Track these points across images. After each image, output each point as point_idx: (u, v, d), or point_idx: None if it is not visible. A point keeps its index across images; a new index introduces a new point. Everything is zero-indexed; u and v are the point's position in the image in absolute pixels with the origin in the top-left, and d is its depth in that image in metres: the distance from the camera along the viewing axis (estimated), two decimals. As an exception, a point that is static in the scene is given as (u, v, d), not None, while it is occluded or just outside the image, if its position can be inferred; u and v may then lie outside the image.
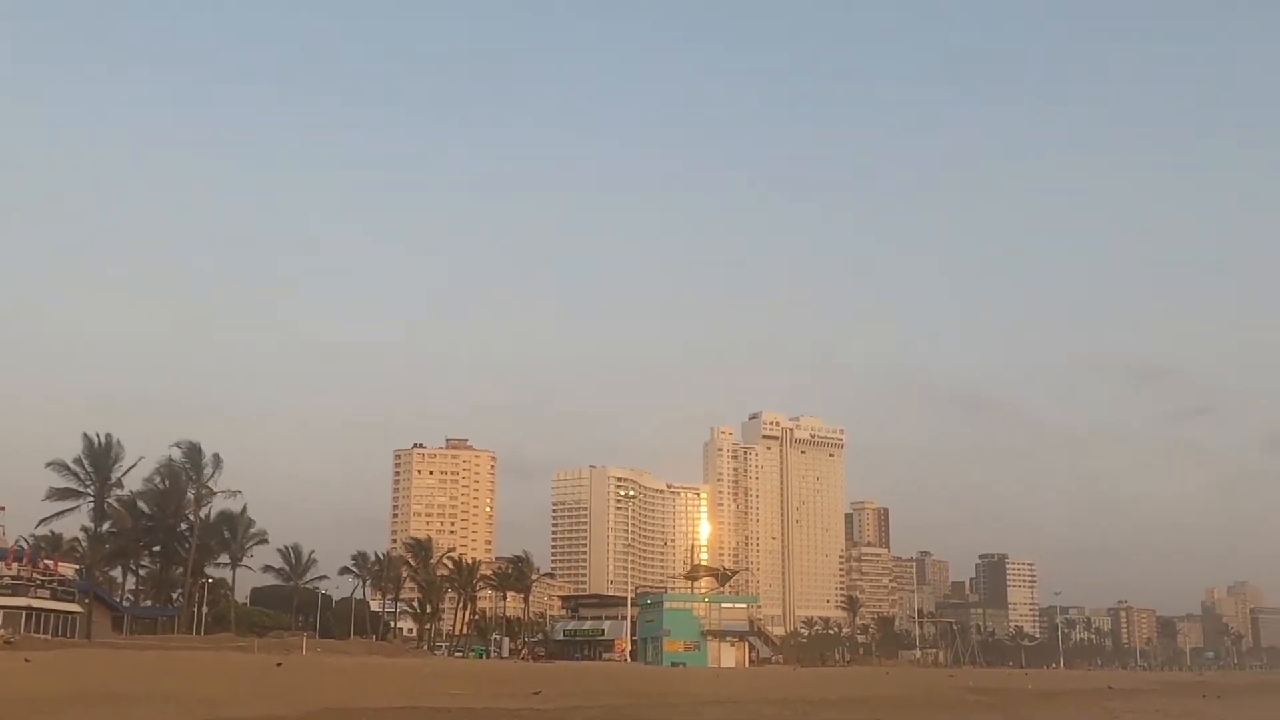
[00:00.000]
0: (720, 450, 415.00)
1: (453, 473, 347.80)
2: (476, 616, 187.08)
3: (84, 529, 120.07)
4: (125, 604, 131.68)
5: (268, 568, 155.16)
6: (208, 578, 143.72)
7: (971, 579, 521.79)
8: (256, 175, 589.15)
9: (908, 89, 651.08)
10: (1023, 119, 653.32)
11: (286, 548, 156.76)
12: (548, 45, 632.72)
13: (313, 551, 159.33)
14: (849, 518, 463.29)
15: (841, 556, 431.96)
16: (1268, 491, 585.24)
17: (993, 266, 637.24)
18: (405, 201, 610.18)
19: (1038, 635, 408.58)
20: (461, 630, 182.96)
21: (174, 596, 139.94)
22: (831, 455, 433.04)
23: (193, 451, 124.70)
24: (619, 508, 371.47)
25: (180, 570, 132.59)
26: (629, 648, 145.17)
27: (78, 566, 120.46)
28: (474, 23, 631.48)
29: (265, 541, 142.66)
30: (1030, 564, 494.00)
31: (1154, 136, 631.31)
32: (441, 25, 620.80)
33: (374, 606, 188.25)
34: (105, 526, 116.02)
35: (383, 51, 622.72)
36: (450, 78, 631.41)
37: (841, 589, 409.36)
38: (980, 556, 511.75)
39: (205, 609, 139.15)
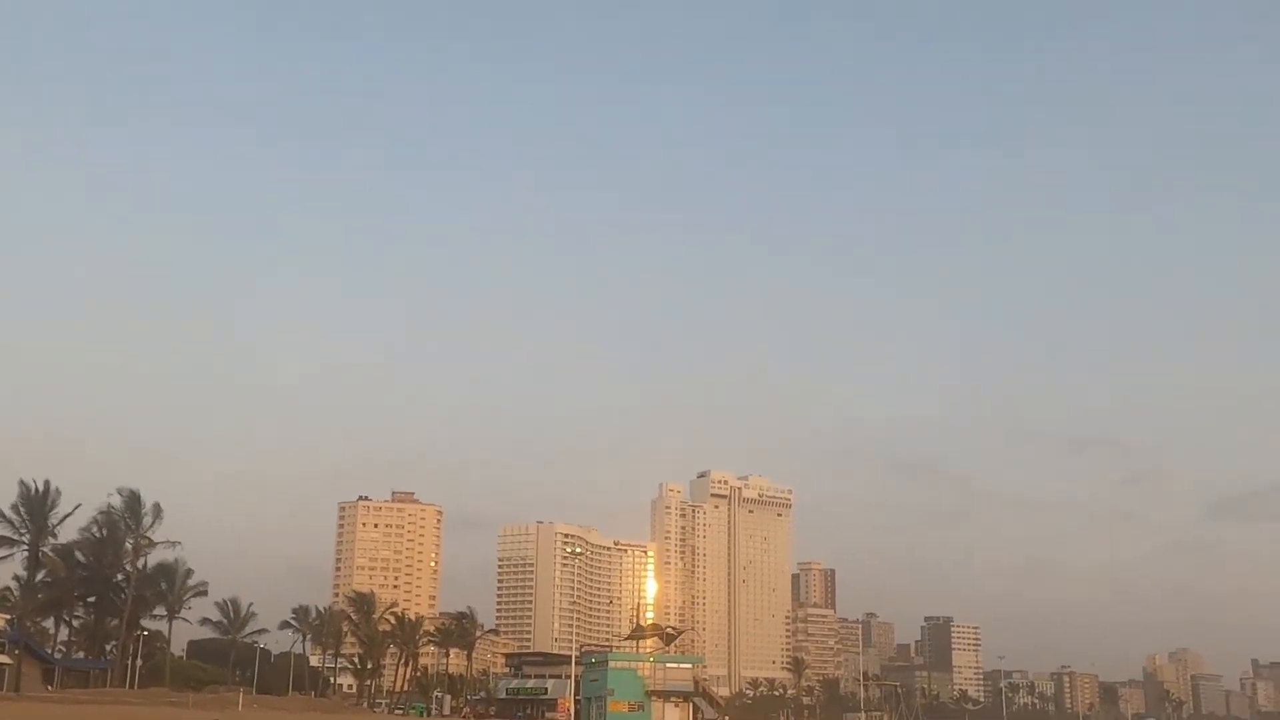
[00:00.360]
0: (668, 508, 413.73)
1: (398, 526, 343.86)
2: (418, 673, 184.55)
3: (16, 578, 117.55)
4: (57, 656, 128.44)
5: (205, 621, 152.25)
6: (143, 630, 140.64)
7: (917, 641, 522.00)
8: (202, 219, 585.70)
9: (865, 151, 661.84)
10: (973, 190, 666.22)
11: (225, 601, 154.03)
12: (511, 96, 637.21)
13: (251, 604, 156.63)
14: (795, 578, 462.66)
15: (787, 617, 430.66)
16: (1207, 558, 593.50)
17: (941, 334, 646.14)
18: (358, 251, 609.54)
19: (982, 699, 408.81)
20: (403, 687, 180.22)
21: (108, 649, 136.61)
22: (779, 515, 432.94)
23: (132, 500, 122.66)
24: (565, 564, 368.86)
25: (115, 622, 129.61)
26: (572, 707, 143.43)
27: (8, 617, 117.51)
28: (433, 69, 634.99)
29: (204, 594, 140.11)
30: (975, 627, 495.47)
31: (1098, 212, 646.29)
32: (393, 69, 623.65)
33: (314, 662, 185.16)
34: (39, 576, 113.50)
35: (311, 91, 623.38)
36: (401, 122, 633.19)
37: (787, 650, 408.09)
38: (926, 619, 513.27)
39: (140, 662, 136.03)
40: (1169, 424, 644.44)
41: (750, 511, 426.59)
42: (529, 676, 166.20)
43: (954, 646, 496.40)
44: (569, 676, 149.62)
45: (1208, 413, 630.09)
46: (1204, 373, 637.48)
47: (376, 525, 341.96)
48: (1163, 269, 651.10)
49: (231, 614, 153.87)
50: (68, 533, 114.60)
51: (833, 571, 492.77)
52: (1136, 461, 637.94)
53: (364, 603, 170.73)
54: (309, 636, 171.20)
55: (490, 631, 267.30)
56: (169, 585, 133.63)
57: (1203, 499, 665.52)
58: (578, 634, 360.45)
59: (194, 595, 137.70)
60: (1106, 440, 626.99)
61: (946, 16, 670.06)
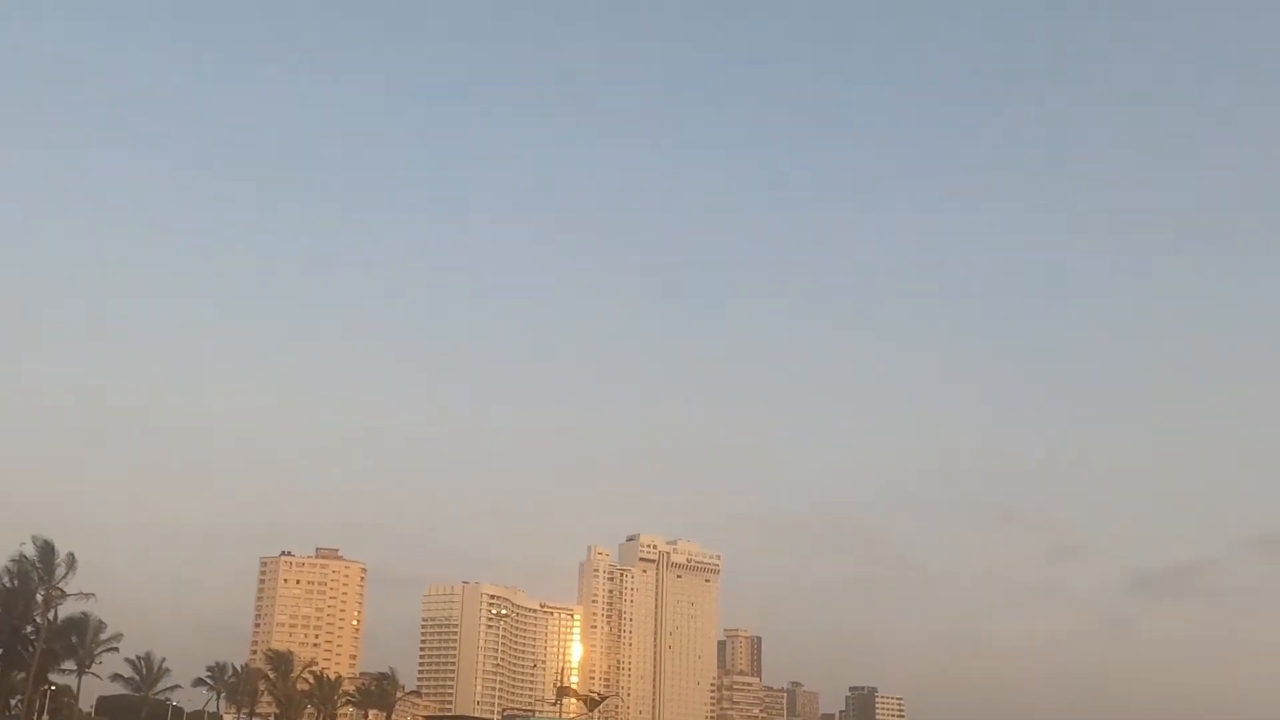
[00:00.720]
0: (596, 571, 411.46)
1: (320, 583, 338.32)
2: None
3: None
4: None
5: (117, 676, 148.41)
6: (51, 685, 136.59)
7: (841, 711, 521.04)
8: (122, 266, 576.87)
9: (809, 215, 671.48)
10: (906, 252, 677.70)
11: (138, 657, 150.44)
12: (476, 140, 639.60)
13: (164, 660, 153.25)
14: (722, 645, 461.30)
15: (713, 684, 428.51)
16: (1131, 633, 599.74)
17: (870, 400, 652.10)
18: (292, 292, 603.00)
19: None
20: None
21: (12, 704, 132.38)
22: (707, 581, 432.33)
23: (46, 550, 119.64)
24: (490, 626, 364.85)
25: (21, 676, 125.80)
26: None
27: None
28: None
29: (116, 648, 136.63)
30: (899, 698, 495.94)
31: (1028, 276, 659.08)
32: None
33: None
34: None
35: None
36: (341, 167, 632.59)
37: (712, 717, 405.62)
38: (850, 689, 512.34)
39: (46, 718, 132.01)
40: (1094, 500, 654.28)
41: (679, 576, 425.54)
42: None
43: (878, 717, 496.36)
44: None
45: (1133, 490, 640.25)
46: (1129, 450, 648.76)
47: (299, 582, 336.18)
48: (1084, 350, 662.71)
49: (144, 670, 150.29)
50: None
51: (759, 639, 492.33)
52: (1062, 536, 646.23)
53: (281, 661, 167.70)
54: (224, 694, 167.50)
55: (412, 693, 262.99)
56: (80, 639, 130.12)
57: (1126, 574, 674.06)
58: (501, 697, 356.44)
59: (106, 649, 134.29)
60: (1032, 514, 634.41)
61: (894, 68, 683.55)
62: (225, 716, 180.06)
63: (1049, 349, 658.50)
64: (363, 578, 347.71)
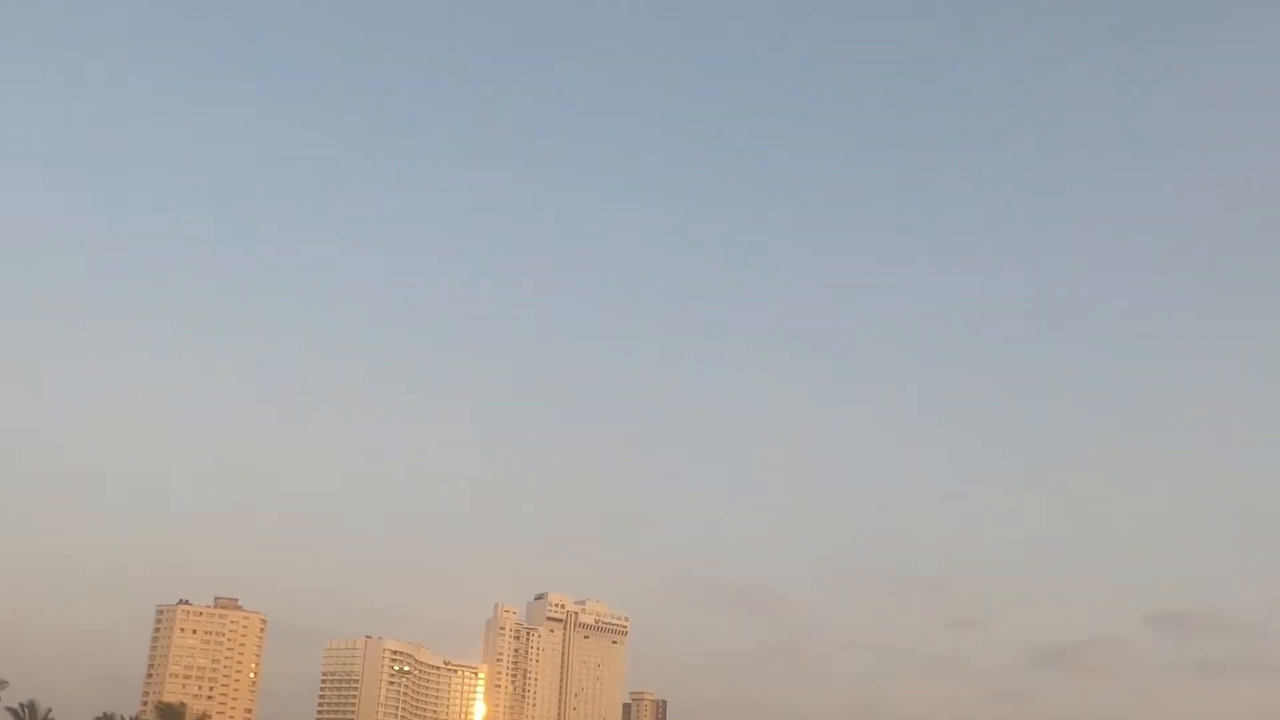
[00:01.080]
0: (502, 629, 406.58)
1: (218, 633, 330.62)
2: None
3: None
4: None
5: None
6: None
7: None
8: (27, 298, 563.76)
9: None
10: (813, 314, 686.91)
11: (21, 705, 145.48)
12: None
13: (50, 710, 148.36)
14: (627, 707, 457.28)
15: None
16: (1029, 706, 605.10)
17: (775, 469, 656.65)
18: (183, 342, 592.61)
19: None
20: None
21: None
22: (614, 642, 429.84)
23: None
24: (392, 683, 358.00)
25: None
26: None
27: None
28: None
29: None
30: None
31: (926, 356, 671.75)
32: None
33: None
34: None
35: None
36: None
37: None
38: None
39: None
40: (995, 572, 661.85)
41: (586, 637, 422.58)
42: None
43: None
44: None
45: (1034, 563, 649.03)
46: (1031, 523, 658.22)
47: (195, 631, 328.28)
48: (986, 422, 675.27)
49: (27, 718, 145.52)
50: None
51: (664, 703, 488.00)
52: (962, 607, 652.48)
53: (172, 713, 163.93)
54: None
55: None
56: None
57: (1026, 648, 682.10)
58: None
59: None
60: (934, 584, 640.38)
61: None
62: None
63: (951, 419, 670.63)
64: (263, 629, 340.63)
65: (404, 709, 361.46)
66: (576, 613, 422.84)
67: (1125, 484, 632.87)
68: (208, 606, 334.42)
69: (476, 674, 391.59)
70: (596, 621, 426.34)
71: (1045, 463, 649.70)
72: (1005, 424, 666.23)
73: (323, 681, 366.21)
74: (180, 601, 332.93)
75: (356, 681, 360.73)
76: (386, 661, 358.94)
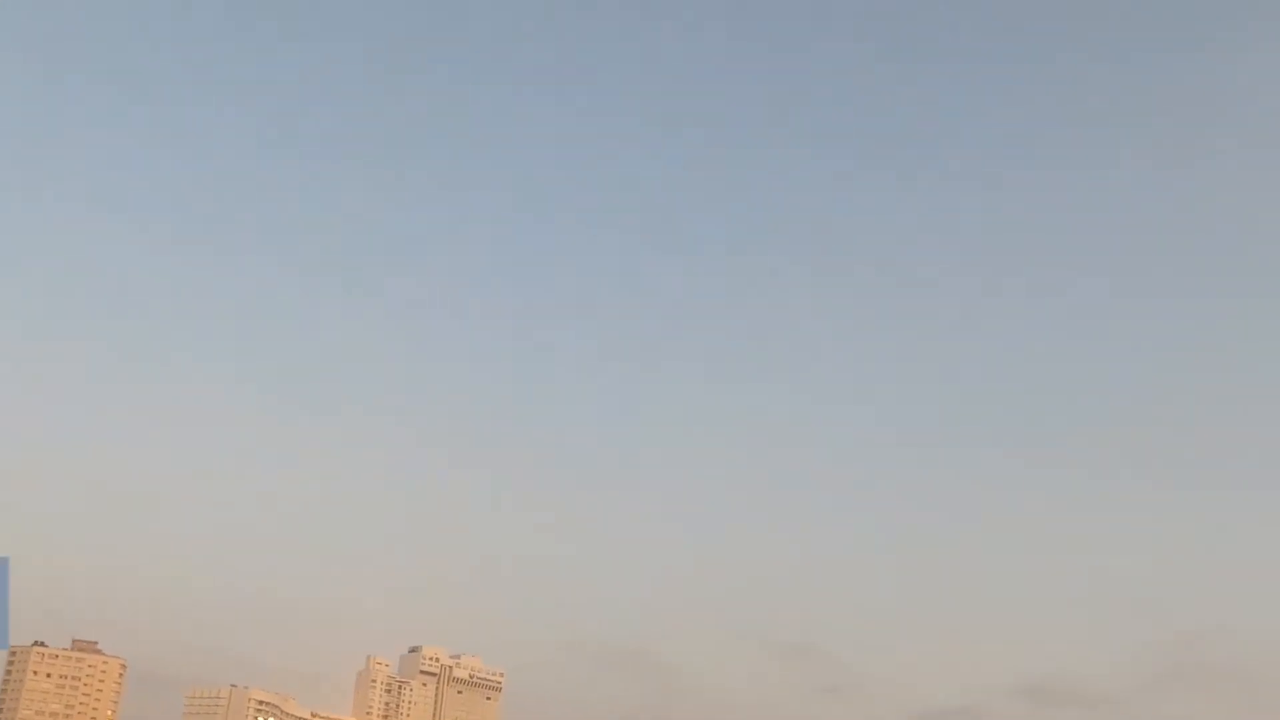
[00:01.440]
0: (374, 682, 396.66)
1: (74, 678, 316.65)
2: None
3: None
4: None
5: None
6: None
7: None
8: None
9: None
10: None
11: None
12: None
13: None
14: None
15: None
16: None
17: (657, 527, 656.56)
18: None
19: None
20: None
21: None
22: (488, 699, 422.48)
23: None
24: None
25: None
26: None
27: None
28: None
29: None
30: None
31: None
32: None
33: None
34: None
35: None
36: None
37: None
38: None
39: None
40: (867, 638, 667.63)
41: (459, 692, 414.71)
42: None
43: None
44: None
45: (905, 630, 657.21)
46: (901, 589, 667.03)
47: (50, 675, 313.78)
48: (865, 493, 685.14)
49: None
50: None
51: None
52: (834, 673, 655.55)
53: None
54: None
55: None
56: None
57: (896, 715, 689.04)
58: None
59: None
60: (809, 649, 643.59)
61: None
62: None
63: (823, 483, 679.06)
64: (121, 674, 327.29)
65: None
66: (451, 666, 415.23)
67: (997, 557, 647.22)
68: (64, 649, 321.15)
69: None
70: (471, 676, 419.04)
71: (916, 531, 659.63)
72: (880, 495, 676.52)
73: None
74: (35, 643, 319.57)
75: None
76: (251, 712, 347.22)
